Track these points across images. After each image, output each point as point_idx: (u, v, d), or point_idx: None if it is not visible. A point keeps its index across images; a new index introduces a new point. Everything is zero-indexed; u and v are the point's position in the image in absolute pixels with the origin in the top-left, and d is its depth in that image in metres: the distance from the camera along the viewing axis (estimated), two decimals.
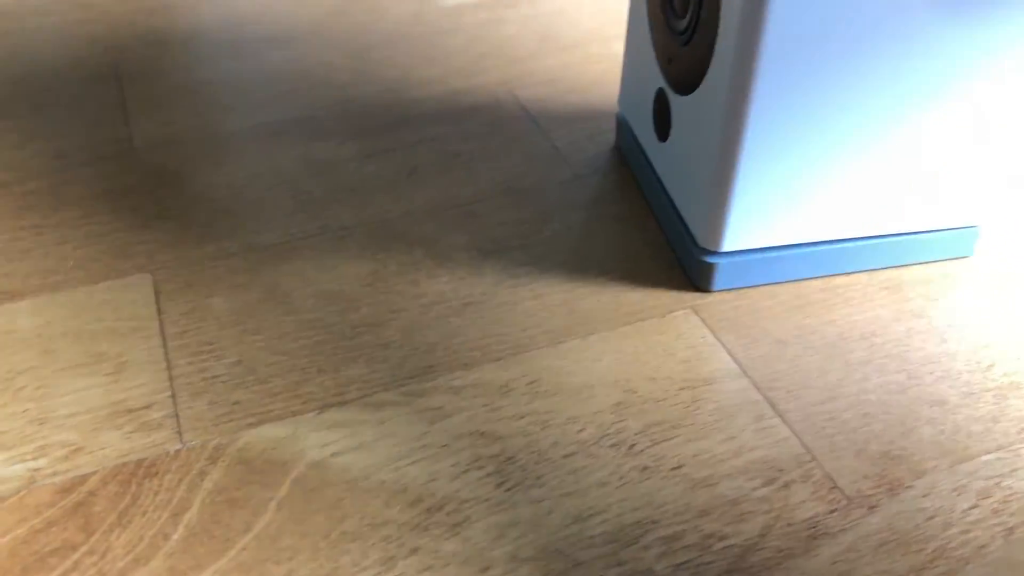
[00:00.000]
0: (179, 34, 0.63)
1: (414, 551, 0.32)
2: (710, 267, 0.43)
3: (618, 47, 0.62)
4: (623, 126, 0.51)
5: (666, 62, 0.44)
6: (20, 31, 0.63)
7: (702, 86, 0.40)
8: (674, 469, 0.36)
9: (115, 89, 0.57)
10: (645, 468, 0.36)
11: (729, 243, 0.42)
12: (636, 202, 0.49)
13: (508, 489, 0.35)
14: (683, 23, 0.41)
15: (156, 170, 0.50)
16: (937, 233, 0.44)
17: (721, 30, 0.38)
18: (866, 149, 0.40)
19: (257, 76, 0.58)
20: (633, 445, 0.36)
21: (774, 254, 0.43)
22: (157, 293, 0.43)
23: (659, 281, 0.44)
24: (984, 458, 0.36)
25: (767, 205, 0.41)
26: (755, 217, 0.41)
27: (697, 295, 0.43)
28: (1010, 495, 0.35)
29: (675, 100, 0.43)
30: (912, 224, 0.44)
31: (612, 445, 0.36)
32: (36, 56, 0.60)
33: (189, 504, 0.34)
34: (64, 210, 0.47)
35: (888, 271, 0.45)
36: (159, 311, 0.42)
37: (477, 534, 0.33)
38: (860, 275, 0.45)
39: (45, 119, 0.54)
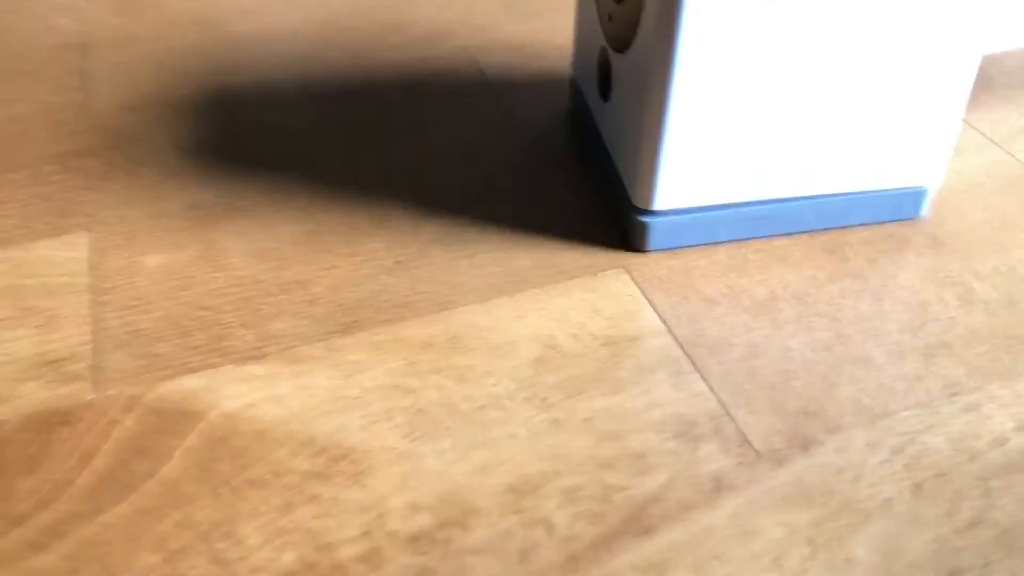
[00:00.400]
0: (147, 4, 0.63)
1: (313, 498, 0.33)
2: (643, 226, 0.42)
3: None
4: (575, 90, 0.51)
5: (606, 19, 0.43)
6: (1, 4, 0.64)
7: (634, 43, 0.40)
8: (584, 421, 0.35)
9: (80, 57, 0.58)
10: (555, 421, 0.35)
11: (662, 201, 0.41)
12: (582, 166, 0.48)
13: (415, 440, 0.35)
14: None
15: (109, 134, 0.51)
16: (883, 193, 0.44)
17: None
18: (799, 106, 0.40)
19: (222, 45, 0.59)
20: (545, 398, 0.36)
21: (710, 214, 0.42)
22: (93, 251, 0.43)
23: (596, 242, 0.44)
24: (903, 415, 0.36)
25: (699, 163, 0.40)
26: (687, 175, 0.41)
27: (632, 255, 0.43)
28: (923, 450, 0.34)
29: (614, 58, 0.43)
30: (854, 184, 0.43)
31: (525, 399, 0.36)
32: (9, 27, 0.61)
33: (97, 451, 0.34)
34: (14, 172, 0.48)
35: (831, 233, 0.44)
36: (91, 268, 0.42)
37: (378, 483, 0.33)
38: (801, 236, 0.44)
39: (8, 85, 0.55)
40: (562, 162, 0.49)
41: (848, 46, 0.38)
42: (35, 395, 0.36)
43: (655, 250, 0.43)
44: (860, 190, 0.43)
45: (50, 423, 0.35)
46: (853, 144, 0.41)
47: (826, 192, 0.43)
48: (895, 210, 0.44)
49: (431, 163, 0.49)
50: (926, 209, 0.45)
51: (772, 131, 0.40)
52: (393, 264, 0.43)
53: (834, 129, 0.41)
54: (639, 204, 0.42)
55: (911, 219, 0.45)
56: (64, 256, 0.43)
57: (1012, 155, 0.49)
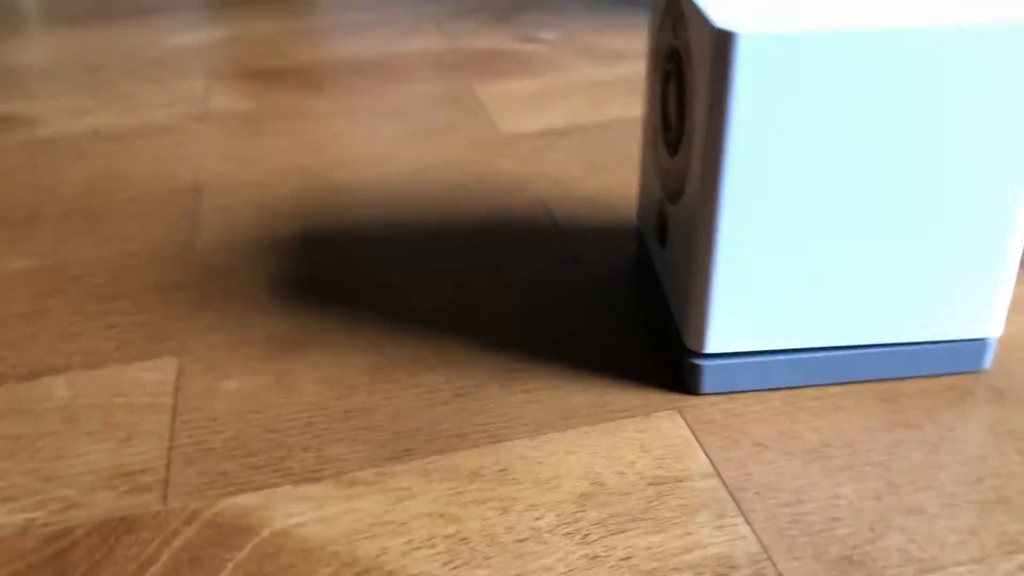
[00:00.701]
0: (255, 155, 0.69)
1: None
2: (698, 369, 0.43)
3: None
4: (639, 238, 0.53)
5: (662, 173, 0.46)
6: (124, 151, 0.71)
7: (684, 194, 0.42)
8: (623, 559, 0.35)
9: (191, 200, 0.63)
10: (595, 557, 0.36)
11: (714, 344, 0.42)
12: (643, 309, 0.50)
13: (454, 568, 0.35)
14: (672, 134, 0.44)
15: (207, 269, 0.55)
16: (940, 345, 0.43)
17: (694, 142, 0.40)
18: (845, 253, 0.41)
19: (319, 192, 0.64)
20: (587, 535, 0.37)
21: (763, 359, 0.43)
22: (179, 375, 0.46)
23: (652, 383, 0.45)
24: (954, 569, 0.34)
25: (749, 309, 0.41)
26: (738, 320, 0.42)
27: (686, 398, 0.44)
28: None
29: (669, 208, 0.45)
30: (909, 334, 0.43)
31: (566, 533, 0.37)
32: (130, 172, 0.67)
33: (156, 559, 0.36)
34: (119, 300, 0.53)
35: (888, 383, 0.44)
36: (176, 390, 0.45)
37: None
38: (857, 385, 0.44)
39: (124, 224, 0.61)
40: (624, 305, 0.50)
41: (890, 193, 0.39)
42: (108, 503, 0.39)
43: (710, 393, 0.44)
44: (915, 340, 0.43)
45: (117, 531, 0.37)
46: (903, 293, 0.42)
47: (880, 341, 0.43)
48: (955, 362, 0.44)
49: (497, 300, 0.51)
50: (989, 361, 0.44)
51: (819, 278, 0.41)
52: (452, 396, 0.44)
53: (881, 278, 0.41)
54: (692, 347, 0.43)
55: (973, 371, 0.44)
56: (153, 378, 0.46)
57: None
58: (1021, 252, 0.41)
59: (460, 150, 0.68)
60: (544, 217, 0.59)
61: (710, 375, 0.43)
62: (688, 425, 0.42)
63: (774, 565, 0.35)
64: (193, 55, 0.90)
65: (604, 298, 0.51)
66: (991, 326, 0.43)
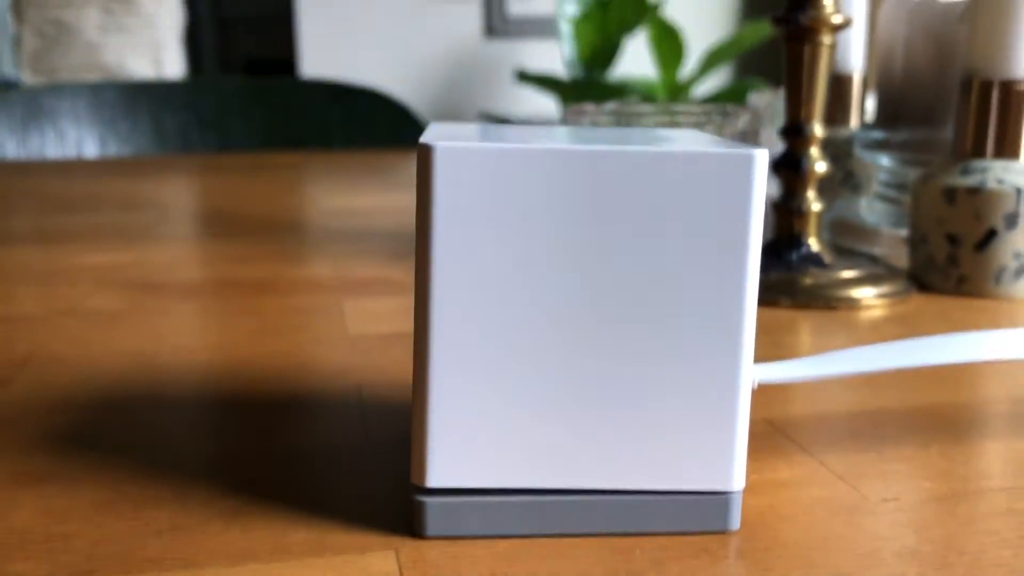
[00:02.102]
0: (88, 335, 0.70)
1: None
2: (421, 507, 0.41)
3: None
4: None
5: None
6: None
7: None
8: None
9: (16, 368, 0.63)
10: None
11: (435, 478, 0.41)
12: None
13: None
14: None
15: None
16: (679, 498, 0.41)
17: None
18: (569, 389, 0.40)
19: (145, 375, 0.64)
20: None
21: (489, 499, 0.41)
22: None
23: (380, 524, 0.42)
24: None
25: (470, 441, 0.40)
26: (460, 453, 0.40)
27: (409, 540, 0.41)
28: None
29: None
30: (645, 482, 0.41)
31: None
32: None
33: None
34: None
35: (629, 537, 0.42)
36: None
37: None
38: (595, 538, 0.41)
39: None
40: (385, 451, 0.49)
41: (601, 319, 0.39)
42: None
43: (436, 536, 0.41)
44: (652, 489, 0.41)
45: None
46: (629, 432, 0.40)
47: (613, 487, 0.41)
48: (699, 519, 0.42)
49: (267, 460, 0.50)
50: (736, 521, 0.42)
51: (540, 411, 0.40)
52: (168, 528, 0.42)
53: (607, 414, 0.40)
54: (415, 481, 0.41)
55: (720, 531, 0.42)
56: None
57: (856, 488, 0.46)
58: (746, 400, 0.41)
59: (304, 346, 0.69)
60: (353, 396, 0.59)
61: (434, 515, 0.41)
62: (399, 564, 0.39)
63: None
64: (90, 271, 0.94)
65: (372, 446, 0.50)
66: (729, 479, 0.41)
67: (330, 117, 2.04)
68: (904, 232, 0.95)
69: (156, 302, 0.80)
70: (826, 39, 0.81)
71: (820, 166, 0.87)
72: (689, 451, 0.41)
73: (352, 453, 0.50)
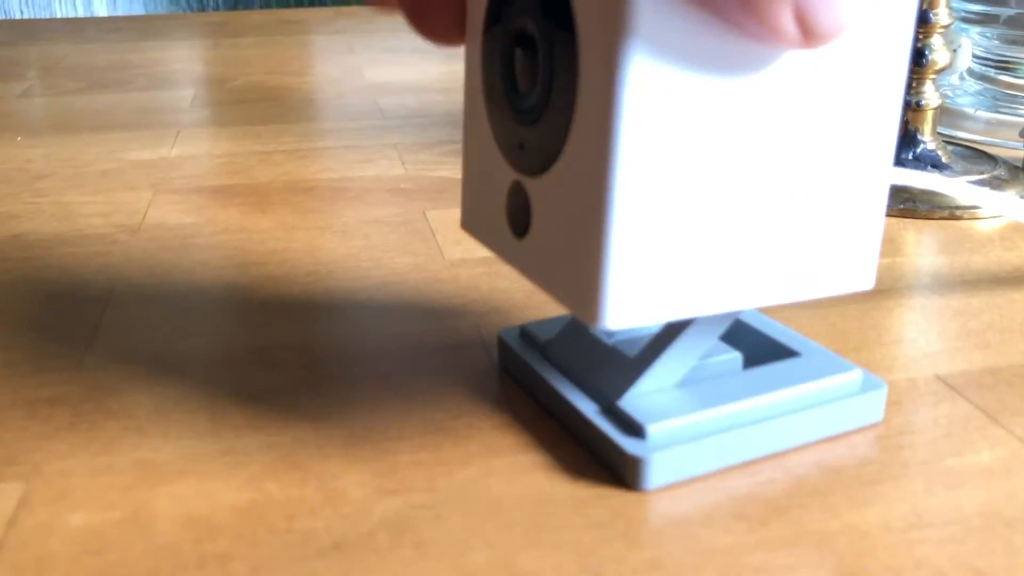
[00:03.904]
0: (178, 268, 0.65)
1: None
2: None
3: None
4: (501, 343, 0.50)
5: (512, 149, 0.39)
6: (42, 258, 0.66)
7: (560, 159, 0.36)
8: None
9: (98, 311, 0.58)
10: None
11: (614, 318, 0.35)
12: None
13: None
14: (527, 102, 0.38)
15: (90, 386, 0.49)
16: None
17: (580, 100, 0.34)
18: (742, 201, 0.35)
19: (240, 312, 0.59)
20: None
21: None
22: (21, 504, 0.40)
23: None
24: None
25: (652, 274, 0.35)
26: (641, 289, 0.35)
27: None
28: None
29: (531, 184, 0.38)
30: (799, 293, 0.38)
31: None
32: (41, 280, 0.63)
33: None
34: None
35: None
36: (11, 522, 0.39)
37: None
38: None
39: (15, 333, 0.55)
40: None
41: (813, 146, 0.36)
42: None
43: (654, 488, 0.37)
44: (803, 299, 0.38)
45: None
46: (786, 239, 0.37)
47: (774, 302, 0.38)
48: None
49: (404, 438, 0.45)
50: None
51: (720, 217, 0.35)
52: (331, 547, 0.38)
53: (768, 223, 0.36)
54: (586, 319, 0.35)
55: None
56: None
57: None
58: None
59: (398, 274, 0.64)
60: (476, 344, 0.54)
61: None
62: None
63: None
64: (145, 170, 0.87)
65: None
66: (870, 278, 0.39)
67: None
68: (1001, 115, 0.88)
69: (222, 213, 0.74)
70: None
71: (942, 56, 0.79)
72: (836, 252, 0.38)
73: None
